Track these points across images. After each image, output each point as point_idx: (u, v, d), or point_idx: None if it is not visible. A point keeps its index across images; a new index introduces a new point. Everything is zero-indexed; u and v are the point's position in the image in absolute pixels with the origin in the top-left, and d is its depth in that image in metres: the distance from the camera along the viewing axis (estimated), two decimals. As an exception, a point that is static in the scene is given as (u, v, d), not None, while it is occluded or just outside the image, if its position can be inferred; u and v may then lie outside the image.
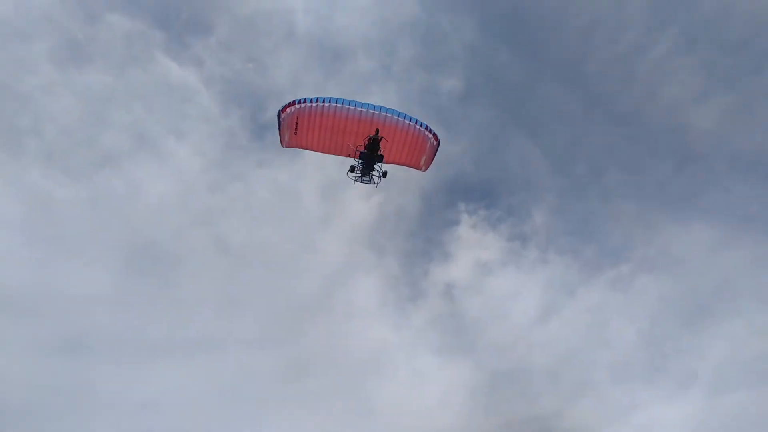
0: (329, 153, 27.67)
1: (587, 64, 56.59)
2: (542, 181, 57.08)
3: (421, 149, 27.30)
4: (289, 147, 27.78)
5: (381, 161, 26.88)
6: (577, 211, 56.56)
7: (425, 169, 28.65)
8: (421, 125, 26.54)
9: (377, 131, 25.89)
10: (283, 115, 26.35)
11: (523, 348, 50.22)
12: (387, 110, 26.02)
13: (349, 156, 27.43)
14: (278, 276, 51.44)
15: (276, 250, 52.33)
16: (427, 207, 54.16)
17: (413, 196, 53.64)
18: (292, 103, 26.01)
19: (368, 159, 26.78)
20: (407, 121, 26.30)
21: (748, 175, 52.88)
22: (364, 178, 27.69)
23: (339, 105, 25.85)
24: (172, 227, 49.64)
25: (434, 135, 27.06)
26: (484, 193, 55.59)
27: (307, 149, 27.69)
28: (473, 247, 53.95)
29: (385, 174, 27.44)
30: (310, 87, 51.70)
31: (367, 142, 26.32)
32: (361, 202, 52.84)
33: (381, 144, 26.32)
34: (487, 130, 56.72)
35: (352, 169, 27.24)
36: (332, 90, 50.99)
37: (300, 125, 26.38)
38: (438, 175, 54.13)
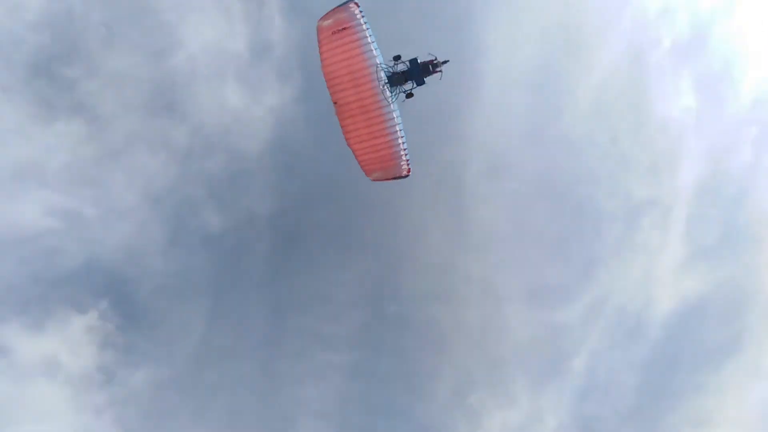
0: (330, 81, 24.63)
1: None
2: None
3: (385, 166, 25.22)
4: (318, 32, 23.93)
5: (420, 85, 24.19)
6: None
7: (372, 180, 26.43)
8: (405, 150, 24.71)
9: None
10: (351, 4, 23.13)
11: None
12: (396, 111, 24.33)
13: (336, 103, 24.74)
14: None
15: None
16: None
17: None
18: (360, 12, 22.98)
19: (414, 70, 23.89)
20: (400, 137, 24.56)
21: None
22: (392, 85, 24.21)
23: (379, 63, 23.63)
24: None
25: (408, 168, 25.08)
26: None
27: (322, 54, 24.17)
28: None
29: (408, 95, 24.56)
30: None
31: (430, 61, 23.78)
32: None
33: (434, 71, 23.78)
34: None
35: (397, 57, 23.96)
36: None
37: (342, 34, 23.30)
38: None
